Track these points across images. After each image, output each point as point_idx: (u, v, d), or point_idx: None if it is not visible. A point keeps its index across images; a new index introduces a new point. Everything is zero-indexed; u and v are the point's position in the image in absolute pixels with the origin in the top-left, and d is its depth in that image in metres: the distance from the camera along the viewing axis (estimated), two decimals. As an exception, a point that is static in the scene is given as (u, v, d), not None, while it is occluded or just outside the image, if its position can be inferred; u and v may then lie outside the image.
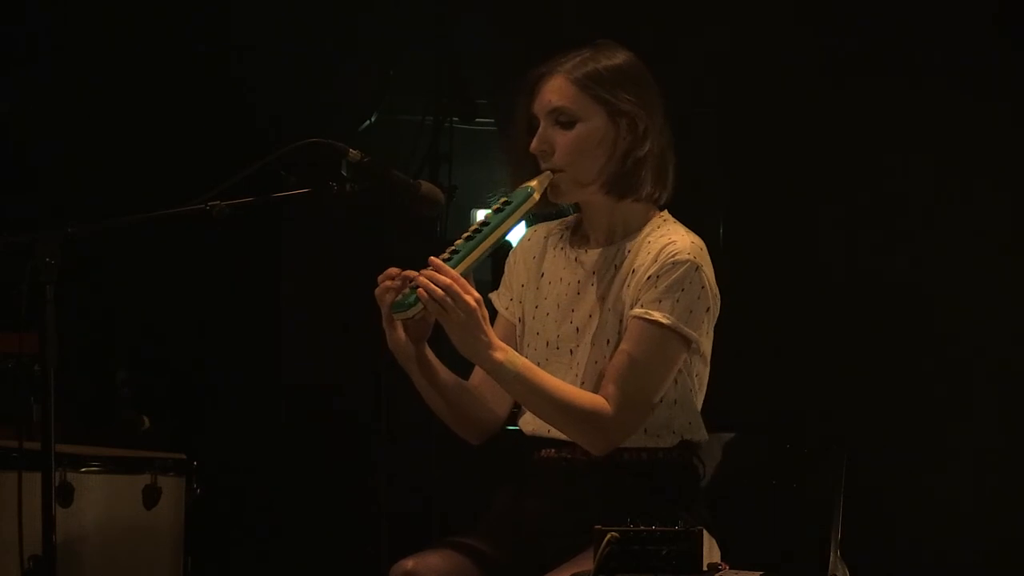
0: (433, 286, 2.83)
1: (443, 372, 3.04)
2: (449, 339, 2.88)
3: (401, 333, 2.95)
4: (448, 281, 2.82)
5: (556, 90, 3.01)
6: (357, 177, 2.94)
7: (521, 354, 3.06)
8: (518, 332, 3.15)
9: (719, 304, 3.04)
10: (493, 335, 2.87)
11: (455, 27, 5.24)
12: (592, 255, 3.08)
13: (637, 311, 2.95)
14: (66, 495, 3.46)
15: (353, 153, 2.94)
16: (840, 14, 4.66)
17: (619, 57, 3.05)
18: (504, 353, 2.88)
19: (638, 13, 4.63)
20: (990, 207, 4.58)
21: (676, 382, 3.02)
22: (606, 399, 2.92)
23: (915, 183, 4.64)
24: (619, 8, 4.62)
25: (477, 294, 2.85)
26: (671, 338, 2.94)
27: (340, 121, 5.28)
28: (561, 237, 3.17)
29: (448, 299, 2.82)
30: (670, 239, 2.99)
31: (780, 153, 4.77)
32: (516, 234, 3.09)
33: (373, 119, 5.35)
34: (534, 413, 3.03)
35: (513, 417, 3.15)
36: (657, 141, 3.03)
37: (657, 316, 2.93)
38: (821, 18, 4.67)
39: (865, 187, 4.69)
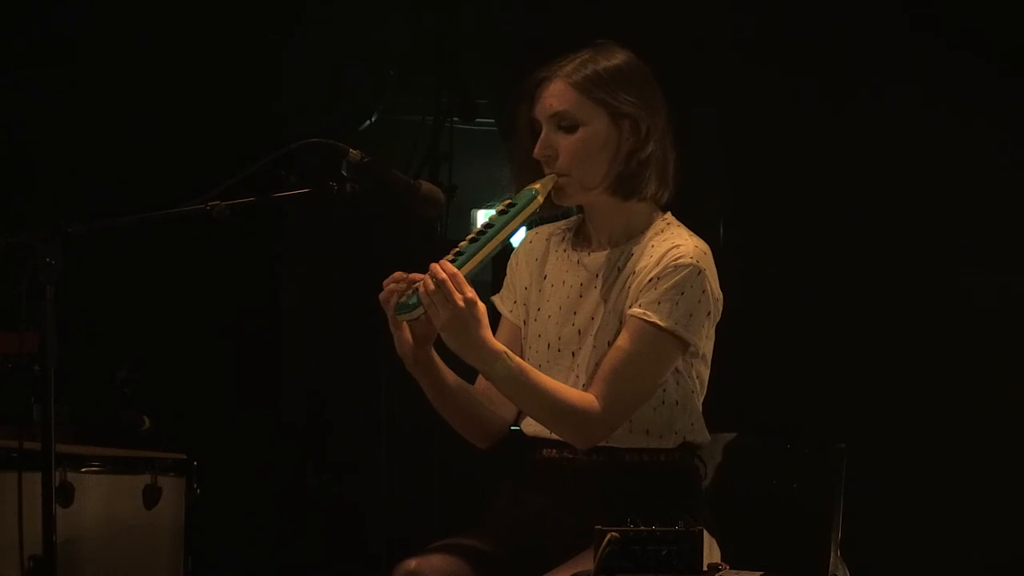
0: (428, 280, 2.83)
1: (449, 375, 3.03)
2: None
3: (408, 335, 2.95)
4: (443, 276, 2.82)
5: (556, 95, 3.00)
6: (357, 177, 2.94)
7: (523, 356, 3.06)
8: (523, 335, 3.15)
9: (721, 308, 3.03)
10: (487, 334, 2.87)
11: (455, 27, 5.24)
12: (595, 257, 3.08)
13: (635, 311, 2.95)
14: (66, 495, 3.45)
15: (353, 153, 2.93)
16: (843, 15, 4.66)
17: (618, 57, 3.04)
18: (495, 352, 2.87)
19: (638, 12, 4.63)
20: (990, 207, 4.58)
21: (678, 383, 3.02)
22: (596, 396, 2.93)
23: (915, 184, 4.64)
24: (619, 7, 4.62)
25: (472, 292, 2.84)
26: (667, 340, 2.94)
27: (340, 121, 5.28)
28: (563, 239, 3.16)
29: (439, 293, 2.82)
30: (674, 243, 2.99)
31: (780, 154, 4.77)
32: (517, 237, 3.09)
33: (373, 119, 5.36)
34: (523, 410, 3.03)
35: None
36: (660, 140, 3.03)
37: (655, 318, 2.93)
38: (823, 19, 4.67)
39: (865, 188, 4.69)
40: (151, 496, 3.62)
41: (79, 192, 4.85)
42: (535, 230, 3.23)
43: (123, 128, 4.97)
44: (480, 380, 3.09)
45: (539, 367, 3.01)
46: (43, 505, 2.80)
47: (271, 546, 5.04)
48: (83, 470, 3.53)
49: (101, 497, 3.56)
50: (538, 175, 3.03)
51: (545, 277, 3.14)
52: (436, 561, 2.93)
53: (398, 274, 2.91)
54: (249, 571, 4.89)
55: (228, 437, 4.82)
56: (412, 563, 2.92)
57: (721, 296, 3.03)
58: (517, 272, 3.21)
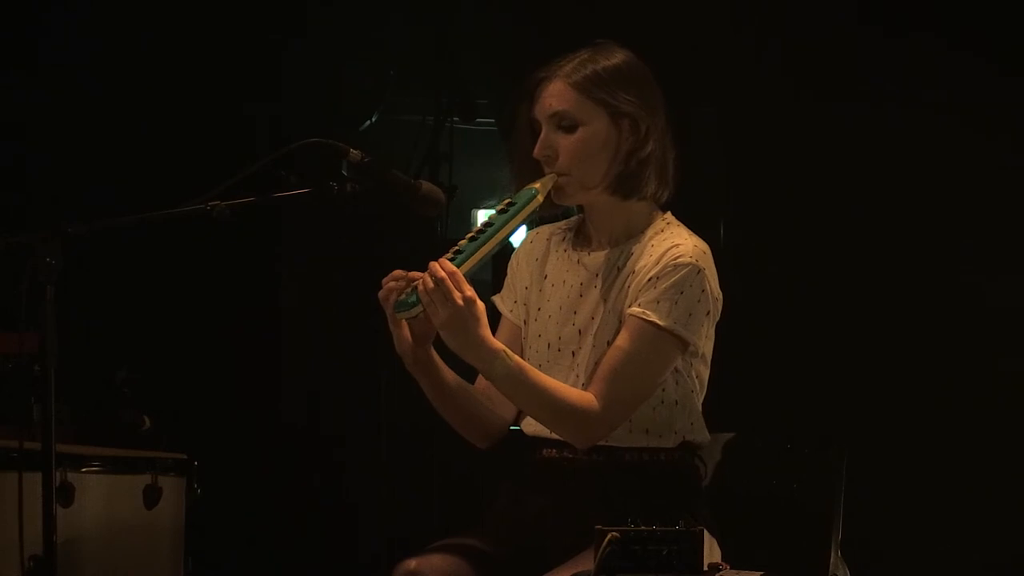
0: (428, 278, 2.83)
1: (449, 375, 3.03)
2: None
3: (407, 334, 2.95)
4: (443, 275, 2.82)
5: (556, 95, 3.00)
6: (357, 177, 2.93)
7: (523, 356, 3.06)
8: (523, 335, 3.15)
9: (720, 307, 3.03)
10: (486, 332, 2.86)
11: (455, 27, 5.25)
12: (595, 257, 3.08)
13: (635, 310, 2.95)
14: (66, 495, 3.45)
15: (353, 153, 2.93)
16: (843, 15, 4.66)
17: (617, 57, 3.04)
18: (494, 351, 2.87)
19: (638, 12, 4.63)
20: (990, 208, 4.58)
21: (677, 383, 3.02)
22: (595, 395, 2.92)
23: (915, 184, 4.64)
24: (619, 7, 4.62)
25: (471, 291, 2.84)
26: (666, 339, 2.94)
27: (340, 121, 5.28)
28: (564, 239, 3.16)
29: (438, 292, 2.82)
30: (674, 242, 2.99)
31: (780, 154, 4.77)
32: (517, 236, 3.09)
33: (373, 119, 5.36)
34: (522, 409, 3.03)
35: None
36: (659, 140, 3.03)
37: (654, 317, 2.93)
38: (823, 19, 4.67)
39: (865, 188, 4.69)
40: (151, 496, 3.62)
41: (79, 192, 4.84)
42: (535, 230, 3.23)
43: (123, 128, 4.97)
44: (480, 379, 3.09)
45: (539, 367, 3.01)
46: (43, 505, 2.80)
47: (271, 546, 5.04)
48: (83, 470, 3.53)
49: (101, 497, 3.56)
50: (538, 175, 3.03)
51: (545, 277, 3.14)
52: (436, 561, 2.93)
53: (397, 272, 2.90)
54: (249, 571, 4.89)
55: (228, 437, 4.82)
56: (412, 563, 2.92)
57: (721, 296, 3.03)
58: (517, 272, 3.21)
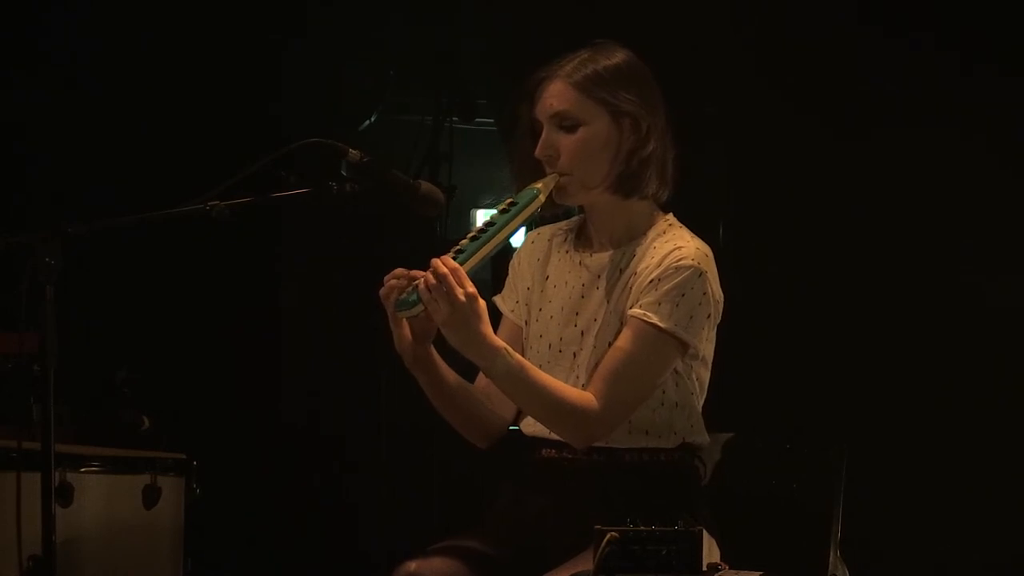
0: (429, 276, 2.83)
1: (448, 374, 3.03)
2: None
3: (407, 333, 2.95)
4: (445, 271, 2.82)
5: (557, 94, 3.00)
6: (357, 177, 2.93)
7: (524, 356, 3.05)
8: (524, 335, 3.15)
9: (721, 310, 3.03)
10: (487, 330, 2.86)
11: (455, 27, 5.25)
12: (597, 258, 3.07)
13: (636, 311, 2.95)
14: (66, 495, 3.45)
15: (353, 153, 2.93)
16: (843, 15, 4.66)
17: (618, 56, 3.04)
18: (495, 348, 2.87)
19: (638, 12, 4.63)
20: (990, 208, 4.58)
21: (677, 385, 3.02)
22: (595, 395, 2.92)
23: (915, 184, 4.64)
24: (619, 7, 4.62)
25: (473, 288, 2.84)
26: (667, 342, 2.94)
27: (340, 121, 5.28)
28: (565, 240, 3.16)
29: (440, 288, 2.82)
30: (676, 245, 2.99)
31: (781, 154, 4.76)
32: (517, 237, 3.09)
33: (373, 119, 5.36)
34: (522, 408, 3.03)
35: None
36: (660, 139, 3.03)
37: (655, 319, 2.93)
38: (823, 19, 4.67)
39: (865, 188, 4.69)
40: (151, 496, 3.62)
41: (79, 192, 4.84)
42: (536, 231, 3.23)
43: (123, 128, 4.97)
44: (480, 379, 3.09)
45: (540, 367, 3.00)
46: (42, 505, 2.80)
47: (271, 546, 5.04)
48: (83, 470, 3.53)
49: (101, 497, 3.56)
50: (538, 175, 3.03)
51: (547, 278, 3.14)
52: (436, 563, 2.93)
53: (399, 270, 2.90)
54: (249, 571, 4.89)
55: (228, 437, 4.82)
56: (412, 565, 2.92)
57: (722, 298, 3.03)
58: (519, 272, 3.20)
